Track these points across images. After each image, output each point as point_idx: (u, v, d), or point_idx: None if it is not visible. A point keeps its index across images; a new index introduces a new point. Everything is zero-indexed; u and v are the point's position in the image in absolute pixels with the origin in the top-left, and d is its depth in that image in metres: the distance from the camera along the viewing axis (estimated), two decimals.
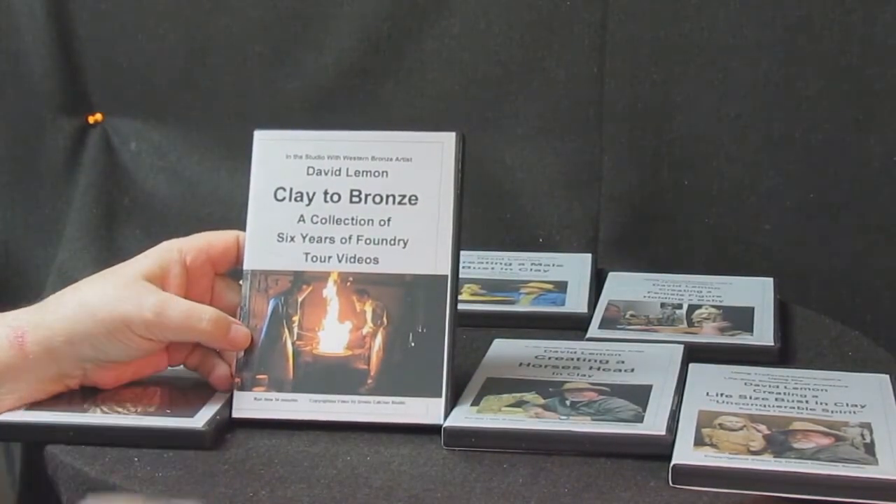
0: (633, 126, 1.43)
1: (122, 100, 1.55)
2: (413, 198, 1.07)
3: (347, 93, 1.49)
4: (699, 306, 1.27)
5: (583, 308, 1.27)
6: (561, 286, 1.33)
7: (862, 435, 0.99)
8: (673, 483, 0.95)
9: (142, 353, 1.04)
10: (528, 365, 1.12)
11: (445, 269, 1.06)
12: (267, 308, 1.06)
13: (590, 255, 1.41)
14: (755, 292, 1.30)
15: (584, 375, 1.10)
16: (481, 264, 1.39)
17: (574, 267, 1.38)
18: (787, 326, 1.26)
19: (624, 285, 1.33)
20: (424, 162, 1.08)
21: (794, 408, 1.04)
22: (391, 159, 1.08)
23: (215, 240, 1.08)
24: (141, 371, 1.06)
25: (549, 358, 1.13)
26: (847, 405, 1.04)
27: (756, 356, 1.17)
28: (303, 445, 1.01)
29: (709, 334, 1.21)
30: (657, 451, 0.98)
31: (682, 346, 1.15)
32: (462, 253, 1.41)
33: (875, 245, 1.40)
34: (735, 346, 1.19)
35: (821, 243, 1.41)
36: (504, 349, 1.16)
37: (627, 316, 1.25)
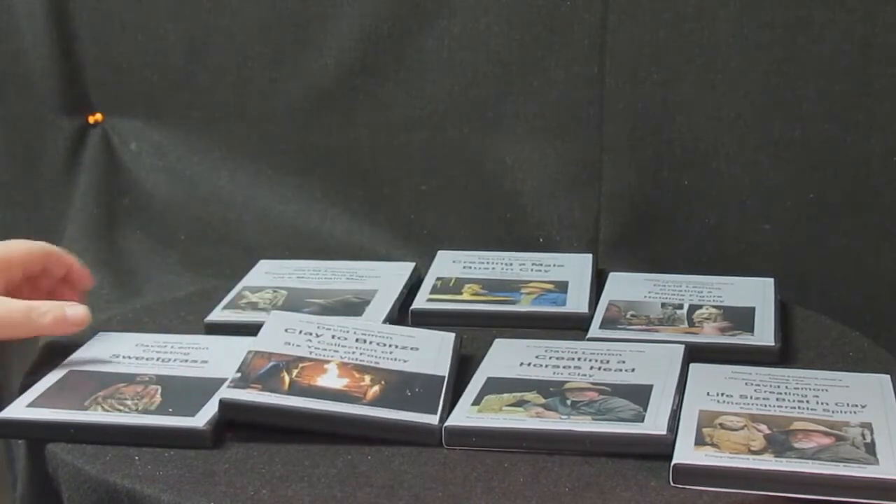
0: (633, 126, 1.43)
1: (122, 100, 1.55)
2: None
3: (347, 93, 1.48)
4: (700, 306, 1.27)
5: (583, 308, 1.27)
6: (562, 286, 1.33)
7: (862, 435, 0.99)
8: (674, 483, 0.95)
9: None
10: (529, 364, 1.12)
11: (444, 371, 1.10)
12: (266, 363, 1.08)
13: (590, 255, 1.41)
14: (755, 292, 1.30)
15: (585, 375, 1.10)
16: (482, 264, 1.39)
17: (574, 267, 1.38)
18: (787, 326, 1.26)
19: (624, 285, 1.33)
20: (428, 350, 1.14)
21: (794, 408, 1.04)
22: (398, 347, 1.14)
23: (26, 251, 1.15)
24: None
25: (550, 358, 1.13)
26: (848, 405, 1.04)
27: (757, 356, 1.17)
28: (303, 444, 1.01)
29: (709, 334, 1.21)
30: (658, 450, 0.98)
31: (682, 346, 1.15)
32: (462, 253, 1.43)
33: (875, 245, 1.40)
34: (736, 346, 1.18)
35: (821, 243, 1.41)
36: (505, 349, 1.16)
37: (628, 316, 1.25)
